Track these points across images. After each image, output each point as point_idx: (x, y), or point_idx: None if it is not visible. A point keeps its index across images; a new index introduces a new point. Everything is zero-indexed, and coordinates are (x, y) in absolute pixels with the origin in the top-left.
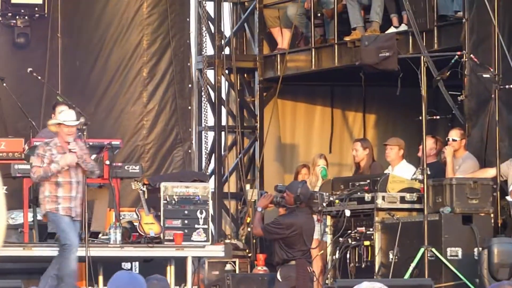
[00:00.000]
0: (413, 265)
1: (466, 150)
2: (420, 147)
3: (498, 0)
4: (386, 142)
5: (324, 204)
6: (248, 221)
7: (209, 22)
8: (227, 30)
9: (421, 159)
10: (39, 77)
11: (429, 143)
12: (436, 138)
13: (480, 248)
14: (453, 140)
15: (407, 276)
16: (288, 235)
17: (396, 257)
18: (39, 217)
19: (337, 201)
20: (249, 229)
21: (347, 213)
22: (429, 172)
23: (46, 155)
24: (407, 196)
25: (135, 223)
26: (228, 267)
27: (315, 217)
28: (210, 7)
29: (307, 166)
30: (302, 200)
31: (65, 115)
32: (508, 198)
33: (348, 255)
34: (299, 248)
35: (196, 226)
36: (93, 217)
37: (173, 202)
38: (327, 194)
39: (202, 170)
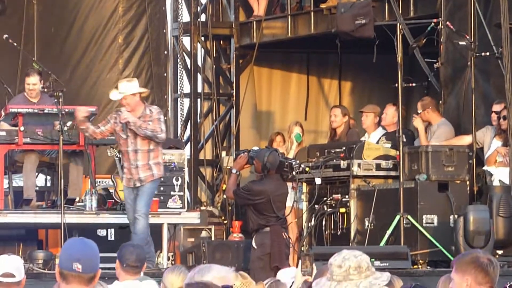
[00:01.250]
0: (388, 232)
1: (441, 116)
2: (383, 116)
3: None
4: (361, 109)
5: (294, 173)
6: (223, 188)
7: None
8: None
9: (397, 127)
10: (15, 44)
11: (391, 111)
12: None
13: (456, 216)
14: (417, 113)
15: (382, 243)
16: (256, 201)
17: (372, 224)
18: (14, 184)
19: (307, 168)
20: (224, 196)
21: (317, 181)
22: (404, 140)
23: (111, 121)
24: (383, 163)
25: (110, 190)
26: (204, 234)
27: (290, 184)
28: None
29: (281, 134)
30: (269, 168)
31: (119, 86)
32: (484, 167)
33: (323, 222)
34: (272, 214)
35: (172, 193)
36: (68, 184)
37: None
38: (297, 162)
39: (178, 137)
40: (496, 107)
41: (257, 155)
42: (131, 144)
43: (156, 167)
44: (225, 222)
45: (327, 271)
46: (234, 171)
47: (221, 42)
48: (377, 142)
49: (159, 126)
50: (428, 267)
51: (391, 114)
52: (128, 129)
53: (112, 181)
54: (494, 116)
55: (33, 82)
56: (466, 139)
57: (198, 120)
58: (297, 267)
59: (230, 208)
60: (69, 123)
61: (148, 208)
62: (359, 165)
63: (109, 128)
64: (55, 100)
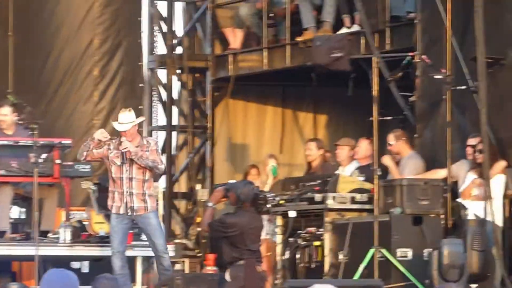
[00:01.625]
0: (363, 265)
1: (411, 149)
2: (356, 149)
3: (450, 1)
4: (337, 142)
5: (269, 205)
6: (198, 221)
7: (161, 21)
8: (179, 30)
9: (371, 160)
10: None
11: (364, 144)
12: (371, 139)
13: (430, 249)
14: (389, 144)
15: (356, 276)
16: (229, 234)
17: (346, 257)
18: None
19: (281, 201)
20: (198, 229)
21: (292, 214)
22: (380, 173)
23: (104, 146)
24: (358, 196)
25: (85, 223)
26: (178, 267)
27: (266, 217)
28: (162, 6)
29: (256, 167)
30: (243, 200)
31: (119, 117)
32: (459, 200)
33: (298, 255)
34: (245, 247)
35: None
36: (42, 216)
37: None
38: (272, 194)
39: None
40: (472, 141)
41: (231, 188)
42: (125, 171)
43: (150, 199)
44: (199, 255)
45: None
46: (210, 204)
47: (197, 75)
48: (351, 175)
49: (159, 158)
50: None
51: (364, 147)
52: (126, 157)
53: (86, 214)
54: (469, 150)
55: (4, 113)
56: (441, 173)
57: (173, 153)
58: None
59: (204, 241)
60: (44, 155)
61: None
62: (333, 198)
63: (101, 153)
64: (30, 132)
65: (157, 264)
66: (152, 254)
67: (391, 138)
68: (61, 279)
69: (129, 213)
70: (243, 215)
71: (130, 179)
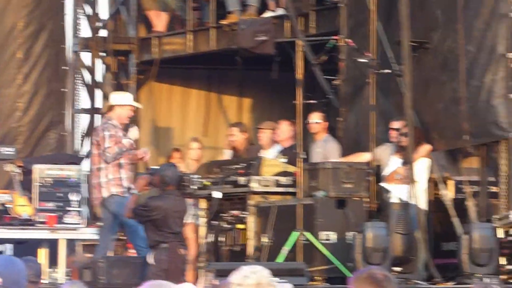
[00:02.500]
0: (286, 248)
1: (326, 132)
2: (277, 131)
3: None
4: (258, 125)
5: (194, 187)
6: None
7: (85, 4)
8: (103, 13)
9: (296, 143)
10: None
11: (285, 126)
12: (292, 121)
13: (354, 232)
14: (316, 122)
15: (280, 259)
16: (154, 217)
17: (270, 240)
18: None
19: (207, 183)
20: None
21: (217, 195)
22: (304, 156)
23: (117, 136)
24: (282, 179)
25: (8, 205)
26: None
27: (190, 200)
28: None
29: (179, 150)
30: (169, 182)
31: (128, 97)
32: (382, 184)
33: (222, 239)
34: (169, 230)
35: (70, 208)
36: None
37: (47, 184)
38: (197, 176)
39: (76, 152)
40: (395, 124)
41: (156, 170)
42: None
43: None
44: (123, 238)
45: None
46: (134, 191)
47: (121, 58)
48: (274, 158)
49: None
50: (326, 284)
51: (285, 129)
52: None
53: (10, 196)
54: (392, 133)
55: None
56: (365, 156)
57: None
58: (195, 283)
59: None
60: None
61: None
62: (257, 181)
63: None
64: None
65: None
66: (76, 237)
67: (316, 117)
68: (6, 264)
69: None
70: (167, 198)
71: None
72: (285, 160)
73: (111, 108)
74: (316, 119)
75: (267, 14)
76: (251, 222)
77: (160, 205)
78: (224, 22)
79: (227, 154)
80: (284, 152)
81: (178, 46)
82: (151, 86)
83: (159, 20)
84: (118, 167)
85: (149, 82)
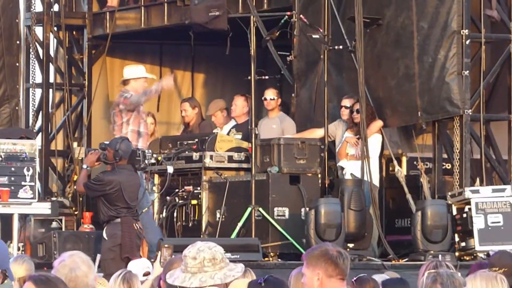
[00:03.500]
0: (240, 224)
1: (280, 110)
2: (232, 107)
3: None
4: (208, 113)
5: (147, 162)
6: (74, 179)
7: None
8: None
9: (249, 119)
10: None
11: (240, 102)
12: (247, 96)
13: (307, 209)
14: (271, 99)
15: (234, 235)
16: (108, 192)
17: (224, 216)
18: None
19: (160, 157)
20: (75, 187)
21: (170, 169)
22: (257, 132)
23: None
24: (235, 155)
25: None
26: (54, 224)
27: (144, 175)
28: None
29: None
30: (122, 155)
31: (140, 69)
32: (338, 163)
33: (175, 214)
34: (123, 205)
35: (23, 183)
36: None
37: (0, 159)
38: (150, 151)
39: (29, 127)
40: (346, 102)
41: (109, 144)
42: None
43: None
44: (76, 213)
45: (177, 262)
46: (85, 166)
47: (74, 33)
48: (228, 133)
49: None
50: (279, 260)
51: (240, 105)
52: None
53: None
54: (344, 111)
55: None
56: (318, 132)
57: (50, 111)
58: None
59: (81, 199)
60: None
61: None
62: (211, 157)
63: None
64: None
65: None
66: (29, 211)
67: (272, 93)
68: None
69: None
70: (121, 172)
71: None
72: (239, 136)
73: (125, 82)
74: (272, 95)
75: None
76: (205, 197)
77: (114, 179)
78: None
79: (181, 129)
80: (239, 127)
81: (131, 21)
82: (104, 61)
83: None
84: (137, 135)
85: (102, 57)
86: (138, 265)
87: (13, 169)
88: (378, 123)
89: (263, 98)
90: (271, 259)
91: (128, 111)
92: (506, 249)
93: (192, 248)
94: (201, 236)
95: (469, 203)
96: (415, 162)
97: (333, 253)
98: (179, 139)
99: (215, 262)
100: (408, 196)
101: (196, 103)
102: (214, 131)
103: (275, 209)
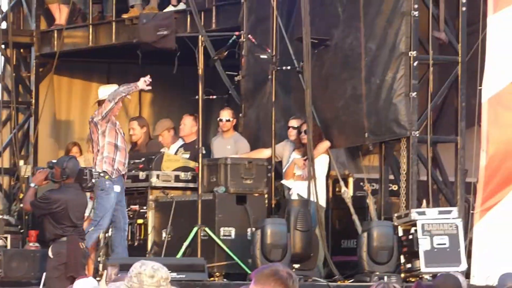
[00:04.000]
0: (186, 244)
1: (234, 130)
2: (181, 126)
3: None
4: (155, 133)
5: (94, 181)
6: (20, 197)
7: None
8: (4, 5)
9: (197, 139)
10: None
11: (189, 121)
12: (195, 115)
13: (254, 229)
14: (227, 120)
15: (179, 255)
16: (54, 210)
17: (169, 235)
18: None
19: (106, 177)
20: (21, 205)
21: (116, 189)
22: (204, 151)
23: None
24: (182, 175)
25: None
26: (0, 242)
27: (88, 194)
28: None
29: (77, 144)
30: (69, 174)
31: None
32: (283, 181)
33: None
34: (69, 224)
35: None
36: None
37: None
38: (97, 170)
39: None
40: (293, 122)
41: (56, 162)
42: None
43: None
44: (22, 231)
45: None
46: (32, 184)
47: (22, 50)
48: (176, 153)
49: None
50: (225, 280)
51: (189, 124)
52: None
53: None
54: (291, 131)
55: None
56: (265, 153)
57: None
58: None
59: (26, 217)
60: None
61: None
62: (157, 176)
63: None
64: None
65: (121, 239)
66: None
67: (227, 114)
68: None
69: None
70: (67, 191)
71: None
72: (187, 156)
73: (100, 103)
74: (228, 116)
75: (169, 9)
76: (151, 217)
77: (61, 197)
78: (125, 16)
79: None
80: (187, 147)
81: (79, 39)
82: (51, 79)
83: (60, 13)
84: (115, 148)
85: (49, 75)
86: (84, 284)
87: None
88: (325, 144)
89: (218, 119)
90: (216, 279)
91: (102, 120)
92: (451, 271)
93: (142, 266)
94: (147, 255)
95: (415, 225)
96: (361, 183)
97: (283, 273)
98: None
99: (167, 282)
100: (354, 217)
101: (144, 122)
102: (161, 150)
103: (221, 229)
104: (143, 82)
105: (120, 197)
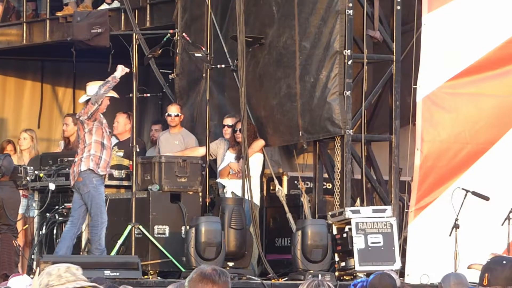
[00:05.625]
0: (120, 242)
1: (182, 126)
2: (115, 125)
3: None
4: None
5: (29, 178)
6: None
7: None
8: None
9: (131, 137)
10: None
11: (122, 119)
12: (129, 113)
13: (188, 227)
14: (175, 115)
15: (113, 252)
16: None
17: (90, 233)
18: None
19: (41, 174)
20: None
21: (51, 186)
22: (138, 150)
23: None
24: (116, 172)
25: None
26: None
27: (21, 192)
28: None
29: (12, 142)
30: (4, 172)
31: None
32: (217, 180)
33: (54, 231)
34: (3, 222)
35: None
36: None
37: None
38: (32, 168)
39: None
40: (228, 121)
41: None
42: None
43: None
44: None
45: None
46: None
47: None
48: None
49: None
50: (159, 278)
51: (122, 122)
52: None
53: None
54: (226, 130)
55: None
56: (199, 151)
57: None
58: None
59: None
60: None
61: None
62: None
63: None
64: None
65: (92, 234)
66: None
67: (175, 109)
68: None
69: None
70: (2, 189)
71: (111, 149)
72: (121, 154)
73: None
74: (176, 111)
75: (103, 7)
76: None
77: None
78: (59, 14)
79: (61, 145)
80: (121, 145)
81: (12, 37)
82: None
83: None
84: (101, 147)
85: None
86: (19, 282)
87: None
88: (260, 142)
89: (166, 115)
90: (150, 277)
91: (89, 120)
92: (385, 269)
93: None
94: (81, 253)
95: (349, 223)
96: (295, 182)
97: (208, 271)
98: (59, 156)
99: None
100: (289, 215)
101: None
102: None
103: (156, 227)
104: (121, 70)
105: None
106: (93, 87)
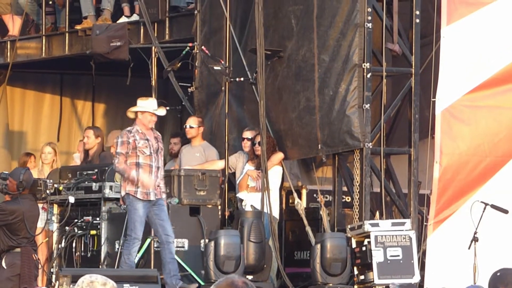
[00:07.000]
0: (139, 255)
1: (203, 139)
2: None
3: None
4: (108, 144)
5: (48, 192)
6: None
7: None
8: None
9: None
10: None
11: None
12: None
13: (207, 240)
14: (191, 127)
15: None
16: (11, 222)
17: (122, 246)
18: None
19: (61, 187)
20: None
21: (71, 199)
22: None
23: (130, 141)
24: None
25: None
26: None
27: (40, 205)
28: None
29: (32, 155)
30: (25, 186)
31: (149, 103)
32: (238, 195)
33: (74, 244)
34: (23, 235)
35: None
36: None
37: None
38: (51, 181)
39: None
40: (247, 134)
41: (11, 174)
42: (154, 160)
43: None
44: None
45: None
46: None
47: None
48: None
49: None
50: None
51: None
52: (153, 147)
53: None
54: (245, 143)
55: None
56: (218, 164)
57: None
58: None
59: None
60: None
61: None
62: (110, 187)
63: (129, 150)
64: None
65: (165, 253)
66: None
67: (192, 121)
68: None
69: (152, 198)
70: (23, 202)
71: (158, 168)
72: None
73: (136, 114)
74: (192, 123)
75: (122, 20)
76: (104, 228)
77: (17, 208)
78: (78, 27)
79: (76, 158)
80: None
81: (32, 50)
82: (4, 90)
83: (13, 24)
84: (136, 167)
85: (2, 86)
86: None
87: None
88: (279, 155)
89: (184, 126)
90: None
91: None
92: (404, 282)
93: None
94: (100, 266)
95: (368, 236)
96: (314, 195)
97: (238, 283)
98: (79, 169)
99: None
100: (308, 228)
101: (100, 132)
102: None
103: (175, 240)
104: (147, 181)
105: (157, 211)
106: (139, 102)
